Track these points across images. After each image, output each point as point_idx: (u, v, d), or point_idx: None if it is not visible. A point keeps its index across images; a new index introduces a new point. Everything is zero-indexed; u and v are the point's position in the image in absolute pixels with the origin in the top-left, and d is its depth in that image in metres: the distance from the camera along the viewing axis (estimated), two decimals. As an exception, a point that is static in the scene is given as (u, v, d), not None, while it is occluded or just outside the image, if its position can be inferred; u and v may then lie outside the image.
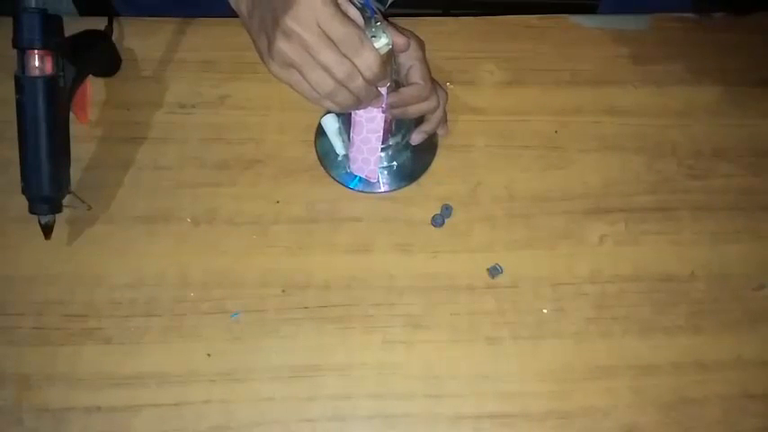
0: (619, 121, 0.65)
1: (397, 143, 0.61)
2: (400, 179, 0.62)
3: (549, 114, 0.65)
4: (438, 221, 0.60)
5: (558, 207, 0.61)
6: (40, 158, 0.51)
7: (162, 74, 0.66)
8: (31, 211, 0.53)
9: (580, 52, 0.69)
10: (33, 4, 0.49)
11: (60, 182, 0.53)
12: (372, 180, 0.60)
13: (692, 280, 0.59)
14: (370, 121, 0.54)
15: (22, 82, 0.50)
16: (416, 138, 0.60)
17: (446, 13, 0.81)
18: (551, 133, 0.65)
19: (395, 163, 0.62)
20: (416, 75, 0.55)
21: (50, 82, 0.51)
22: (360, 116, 0.54)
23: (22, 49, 0.50)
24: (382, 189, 0.61)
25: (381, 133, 0.55)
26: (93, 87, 0.62)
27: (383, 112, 0.53)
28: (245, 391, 0.53)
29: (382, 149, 0.60)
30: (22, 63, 0.50)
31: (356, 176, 0.60)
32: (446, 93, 0.60)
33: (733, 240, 0.61)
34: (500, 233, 0.60)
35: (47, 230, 0.54)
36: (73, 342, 0.54)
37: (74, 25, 0.56)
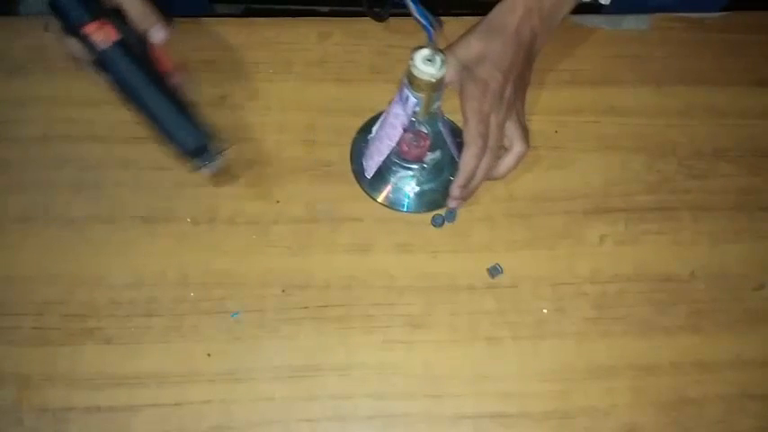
0: (619, 121, 0.65)
1: (426, 168, 0.60)
2: (425, 204, 0.61)
3: (549, 114, 0.65)
4: (438, 221, 0.60)
5: (558, 207, 0.61)
6: (172, 112, 0.49)
7: (162, 74, 0.66)
8: (195, 167, 0.51)
9: (580, 52, 0.69)
10: None
11: (202, 124, 0.51)
12: (367, 175, 0.60)
13: (692, 280, 0.59)
14: (391, 128, 0.55)
15: (103, 58, 0.48)
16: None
17: (446, 13, 0.81)
18: (551, 133, 0.65)
19: (418, 188, 0.61)
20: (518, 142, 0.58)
21: (124, 44, 0.49)
22: (389, 115, 0.55)
23: (79, 29, 0.47)
24: (405, 210, 0.61)
25: (393, 144, 0.56)
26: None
27: (404, 129, 0.54)
28: (245, 391, 0.53)
29: (411, 170, 0.60)
30: (90, 43, 0.48)
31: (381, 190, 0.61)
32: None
33: (733, 240, 0.61)
34: (500, 233, 0.60)
35: (218, 176, 0.52)
36: (73, 342, 0.54)
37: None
